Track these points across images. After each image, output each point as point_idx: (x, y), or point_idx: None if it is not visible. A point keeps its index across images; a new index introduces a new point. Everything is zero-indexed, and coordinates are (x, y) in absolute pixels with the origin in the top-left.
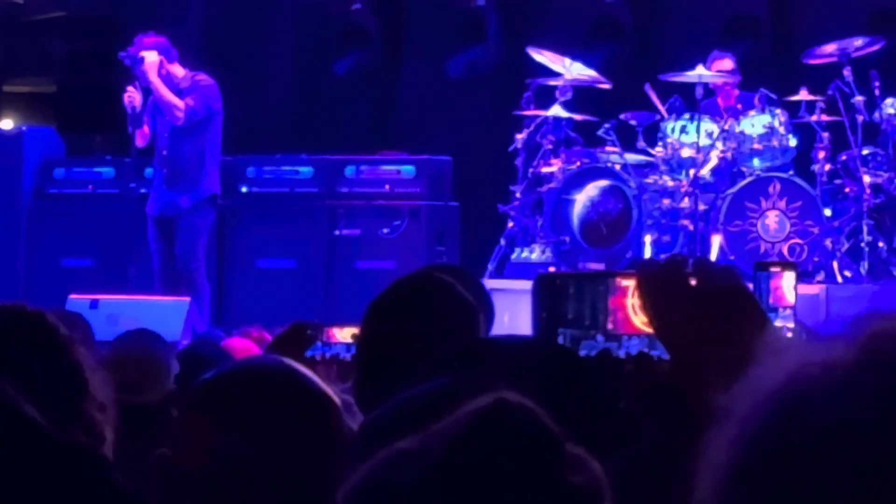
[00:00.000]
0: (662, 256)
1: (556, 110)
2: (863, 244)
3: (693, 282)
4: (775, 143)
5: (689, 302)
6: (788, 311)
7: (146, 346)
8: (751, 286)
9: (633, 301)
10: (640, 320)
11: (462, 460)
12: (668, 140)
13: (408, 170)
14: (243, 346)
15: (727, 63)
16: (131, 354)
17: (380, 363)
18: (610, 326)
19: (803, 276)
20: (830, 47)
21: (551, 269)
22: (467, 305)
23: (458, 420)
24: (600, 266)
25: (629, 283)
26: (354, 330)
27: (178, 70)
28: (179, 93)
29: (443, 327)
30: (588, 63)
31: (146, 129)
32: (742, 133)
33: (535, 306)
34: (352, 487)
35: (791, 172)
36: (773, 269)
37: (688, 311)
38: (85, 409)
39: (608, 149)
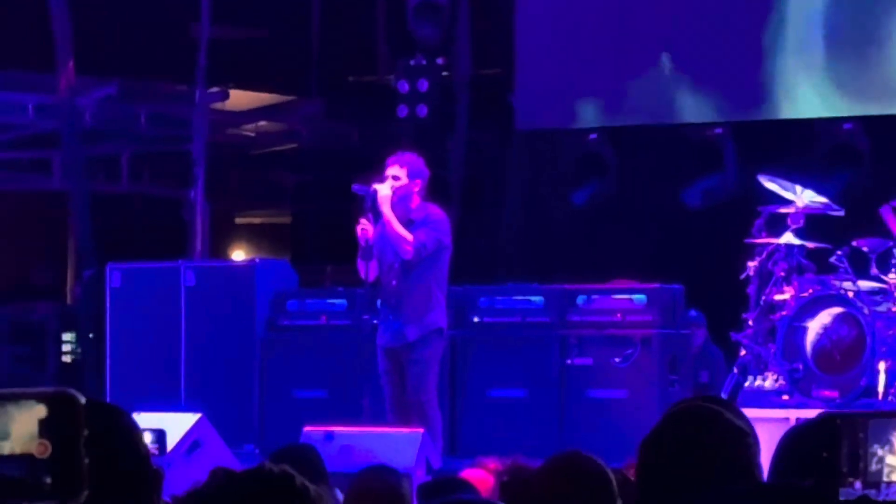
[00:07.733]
0: None
1: (788, 238)
2: None
3: None
4: None
5: None
6: None
7: (387, 481)
8: None
9: None
10: None
11: None
12: None
13: (639, 298)
14: (479, 477)
15: None
16: (372, 489)
17: (659, 496)
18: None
19: None
20: None
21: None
22: (740, 432)
23: None
24: (834, 394)
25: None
26: None
27: (415, 198)
28: (411, 223)
29: (718, 456)
30: (819, 190)
31: (375, 262)
32: None
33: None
34: None
35: None
36: None
37: None
38: None
39: (841, 276)
